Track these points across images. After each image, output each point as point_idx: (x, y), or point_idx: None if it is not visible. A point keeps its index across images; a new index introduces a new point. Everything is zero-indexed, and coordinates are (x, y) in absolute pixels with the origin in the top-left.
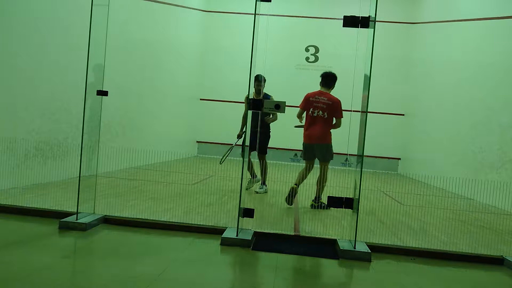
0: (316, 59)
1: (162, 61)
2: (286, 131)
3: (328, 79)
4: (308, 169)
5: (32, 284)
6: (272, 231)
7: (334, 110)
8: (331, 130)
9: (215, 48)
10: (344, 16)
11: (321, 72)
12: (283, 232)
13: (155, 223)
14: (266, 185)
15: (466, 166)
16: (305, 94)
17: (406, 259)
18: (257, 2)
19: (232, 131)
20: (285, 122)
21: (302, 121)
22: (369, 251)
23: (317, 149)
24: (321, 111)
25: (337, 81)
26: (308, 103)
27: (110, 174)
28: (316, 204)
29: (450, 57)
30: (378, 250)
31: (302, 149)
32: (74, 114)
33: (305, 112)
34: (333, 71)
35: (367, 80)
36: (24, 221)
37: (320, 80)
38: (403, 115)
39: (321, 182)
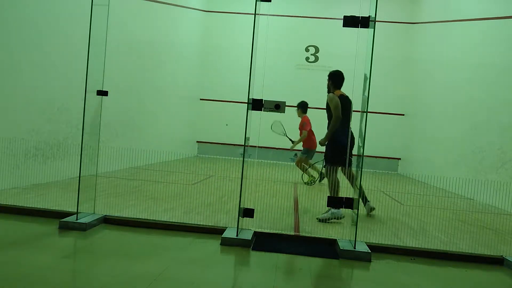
0: (316, 59)
1: (162, 61)
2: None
3: None
4: None
5: (32, 284)
6: (272, 231)
7: None
8: None
9: (215, 48)
10: (344, 16)
11: (322, 72)
12: (283, 232)
13: (155, 223)
14: None
15: (466, 166)
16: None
17: (406, 259)
18: (257, 2)
19: (232, 131)
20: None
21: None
22: (369, 251)
23: None
24: None
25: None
26: None
27: (110, 174)
28: None
29: (450, 57)
30: (378, 250)
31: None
32: (74, 114)
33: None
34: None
35: (367, 80)
36: (24, 221)
37: None
38: (403, 115)
39: None
